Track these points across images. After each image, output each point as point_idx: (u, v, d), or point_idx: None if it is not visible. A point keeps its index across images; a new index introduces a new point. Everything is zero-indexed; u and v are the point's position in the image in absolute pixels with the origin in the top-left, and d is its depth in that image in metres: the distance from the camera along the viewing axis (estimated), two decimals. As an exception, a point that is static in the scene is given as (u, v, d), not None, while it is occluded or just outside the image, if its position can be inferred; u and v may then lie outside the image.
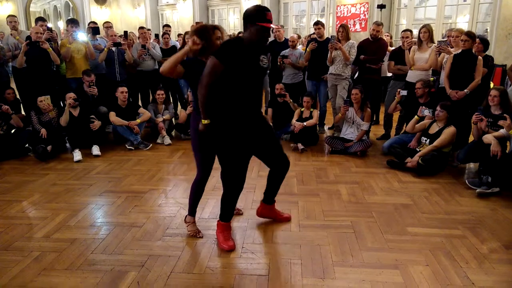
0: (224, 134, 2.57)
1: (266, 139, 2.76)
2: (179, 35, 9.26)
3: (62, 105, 5.73)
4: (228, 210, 2.81)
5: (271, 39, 6.92)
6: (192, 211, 2.96)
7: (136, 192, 3.80)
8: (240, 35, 5.88)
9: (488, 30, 7.25)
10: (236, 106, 2.55)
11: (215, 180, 3.76)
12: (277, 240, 2.88)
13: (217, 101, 2.53)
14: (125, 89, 5.37)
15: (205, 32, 2.60)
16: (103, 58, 5.76)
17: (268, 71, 6.75)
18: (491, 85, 4.99)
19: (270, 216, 3.13)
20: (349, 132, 5.10)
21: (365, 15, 9.18)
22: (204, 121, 2.53)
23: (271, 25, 2.45)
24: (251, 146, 2.67)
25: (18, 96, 5.79)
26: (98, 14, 14.04)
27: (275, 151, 2.82)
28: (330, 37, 5.36)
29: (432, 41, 5.04)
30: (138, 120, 5.35)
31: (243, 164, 2.66)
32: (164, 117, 5.69)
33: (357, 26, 9.34)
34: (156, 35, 7.56)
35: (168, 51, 6.39)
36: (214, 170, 3.10)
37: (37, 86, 5.33)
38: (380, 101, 6.30)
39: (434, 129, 4.41)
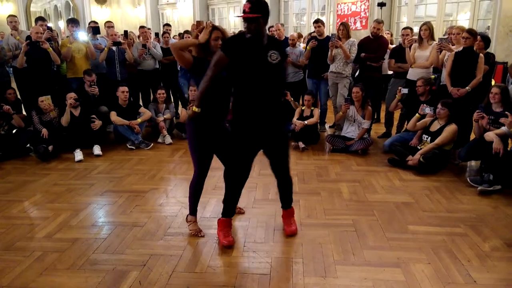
0: (235, 125, 2.65)
1: (275, 145, 2.74)
2: (179, 34, 9.26)
3: (63, 105, 5.72)
4: (230, 205, 2.82)
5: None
6: (193, 210, 2.96)
7: (137, 191, 3.80)
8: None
9: (489, 28, 7.22)
10: (245, 100, 2.58)
11: (216, 180, 3.76)
12: (278, 239, 2.88)
13: (233, 95, 2.64)
14: (125, 88, 5.37)
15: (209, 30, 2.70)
16: (104, 57, 5.76)
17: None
18: (493, 82, 4.98)
19: (283, 222, 3.01)
20: (350, 131, 5.09)
21: (365, 13, 9.17)
22: (195, 109, 2.57)
23: None
24: (259, 142, 2.68)
25: (19, 96, 5.78)
26: (98, 14, 14.04)
27: (279, 163, 2.80)
28: (330, 35, 5.35)
29: (433, 39, 5.02)
30: (139, 120, 5.36)
31: (246, 158, 2.67)
32: (165, 116, 5.70)
33: (358, 24, 9.32)
34: (157, 34, 7.56)
35: (169, 50, 6.38)
36: (215, 170, 3.12)
37: (38, 86, 5.33)
38: (381, 99, 6.29)
39: (435, 127, 4.41)
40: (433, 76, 5.10)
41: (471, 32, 4.36)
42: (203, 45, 2.66)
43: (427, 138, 4.43)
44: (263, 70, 2.52)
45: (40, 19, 5.92)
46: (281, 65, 2.58)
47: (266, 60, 2.51)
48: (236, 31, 8.78)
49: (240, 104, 2.61)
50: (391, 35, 7.56)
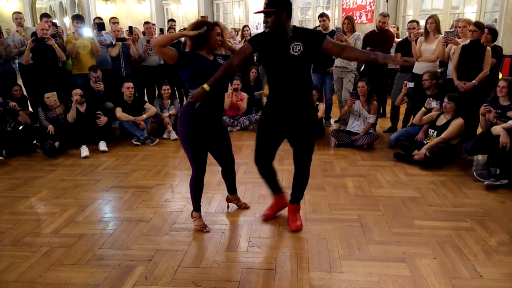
0: (263, 112, 2.81)
1: (300, 136, 2.75)
2: (183, 29, 9.23)
3: (68, 101, 5.75)
4: (268, 185, 3.00)
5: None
6: (196, 207, 2.97)
7: (143, 187, 3.82)
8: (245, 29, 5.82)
9: (497, 20, 7.14)
10: (273, 90, 2.70)
11: (220, 175, 3.76)
12: (283, 234, 2.88)
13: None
14: (131, 84, 5.38)
15: (202, 25, 2.66)
16: (116, 52, 5.73)
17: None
18: (500, 76, 4.92)
19: (288, 217, 3.02)
20: (355, 125, 5.07)
21: (371, 6, 9.10)
22: (205, 86, 2.55)
23: None
24: (283, 131, 2.74)
25: (25, 93, 5.82)
26: (103, 10, 14.05)
27: (301, 154, 2.81)
28: (335, 29, 5.32)
29: (439, 32, 4.97)
30: (144, 116, 5.37)
31: (263, 142, 2.78)
32: (170, 112, 5.71)
33: (363, 18, 9.26)
34: (161, 30, 7.54)
35: (173, 45, 6.36)
36: (218, 165, 3.12)
37: (44, 82, 5.35)
38: (387, 94, 6.25)
39: (441, 121, 4.37)
40: (439, 70, 5.06)
41: (478, 25, 4.31)
42: (197, 37, 2.65)
43: (433, 132, 4.40)
44: (284, 62, 2.56)
45: (45, 15, 5.94)
46: (307, 56, 2.56)
47: (288, 52, 2.53)
48: (240, 27, 8.76)
49: (270, 93, 2.72)
50: (397, 29, 7.49)
